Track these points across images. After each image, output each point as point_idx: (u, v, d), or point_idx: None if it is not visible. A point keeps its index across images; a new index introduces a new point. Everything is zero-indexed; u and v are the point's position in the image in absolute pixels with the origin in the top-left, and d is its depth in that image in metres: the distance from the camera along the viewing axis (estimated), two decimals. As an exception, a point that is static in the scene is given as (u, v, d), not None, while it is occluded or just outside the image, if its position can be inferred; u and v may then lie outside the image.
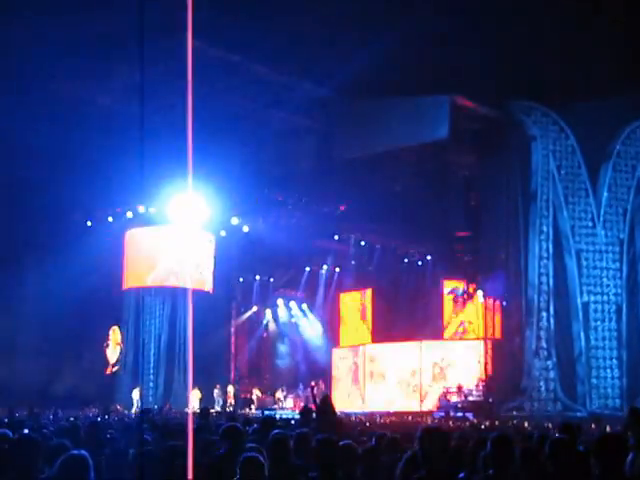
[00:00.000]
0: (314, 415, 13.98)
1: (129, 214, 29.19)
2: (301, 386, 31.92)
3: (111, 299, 32.61)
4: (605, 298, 28.14)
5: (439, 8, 21.74)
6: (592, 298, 28.01)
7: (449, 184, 29.44)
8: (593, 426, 17.70)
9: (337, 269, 34.50)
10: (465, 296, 31.51)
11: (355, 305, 34.87)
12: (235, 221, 30.24)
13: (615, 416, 22.89)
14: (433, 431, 5.81)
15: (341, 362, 33.40)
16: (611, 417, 22.70)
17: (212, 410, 20.06)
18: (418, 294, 32.19)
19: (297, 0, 21.48)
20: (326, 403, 14.08)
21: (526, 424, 20.29)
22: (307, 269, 34.95)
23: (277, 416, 22.37)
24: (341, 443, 6.71)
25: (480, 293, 30.46)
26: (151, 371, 35.19)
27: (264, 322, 36.38)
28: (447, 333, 31.90)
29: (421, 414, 27.95)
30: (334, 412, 14.35)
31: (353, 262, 33.71)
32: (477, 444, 7.20)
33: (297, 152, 28.89)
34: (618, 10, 23.61)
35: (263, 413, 22.27)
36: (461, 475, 6.45)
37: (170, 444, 6.98)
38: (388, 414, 27.27)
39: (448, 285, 32.38)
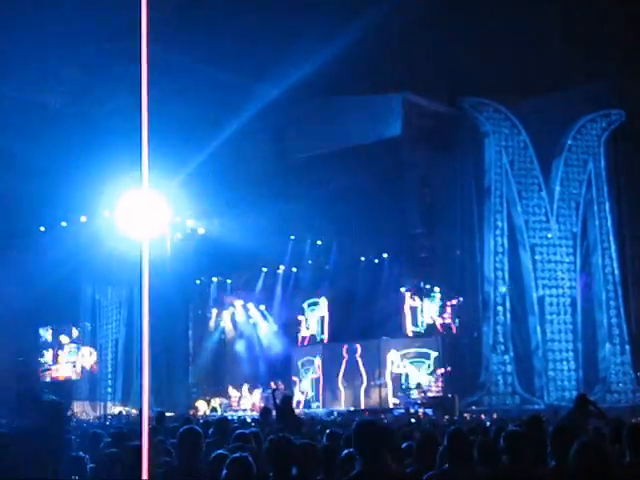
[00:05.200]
0: (274, 416, 13.98)
1: (83, 218, 28.91)
2: (260, 387, 31.84)
3: (66, 303, 32.34)
4: (560, 291, 28.45)
5: (391, 7, 21.79)
6: (547, 292, 28.30)
7: (403, 181, 29.51)
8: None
9: (294, 269, 34.43)
10: (424, 292, 31.61)
11: (313, 305, 34.85)
12: (191, 223, 30.09)
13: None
14: (368, 425, 5.71)
15: (301, 362, 33.36)
16: (569, 409, 22.91)
17: (168, 414, 19.89)
18: (376, 292, 32.20)
19: (249, 2, 21.45)
20: (286, 404, 14.07)
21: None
22: (264, 270, 34.85)
23: (238, 417, 22.35)
24: (299, 442, 6.70)
25: (437, 289, 30.60)
26: (109, 376, 34.92)
27: (221, 324, 36.23)
28: (405, 330, 31.95)
29: (381, 411, 28.01)
30: (293, 413, 14.34)
31: (310, 262, 33.69)
32: (428, 439, 7.22)
33: (252, 153, 28.83)
34: (568, 4, 23.85)
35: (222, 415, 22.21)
36: (409, 469, 6.49)
37: (111, 450, 6.94)
38: (349, 412, 27.29)
39: (406, 282, 32.45)
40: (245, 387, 32.82)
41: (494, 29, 25.01)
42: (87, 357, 35.71)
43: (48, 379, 35.95)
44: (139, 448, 3.51)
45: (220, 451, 6.51)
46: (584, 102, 28.66)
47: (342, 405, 30.27)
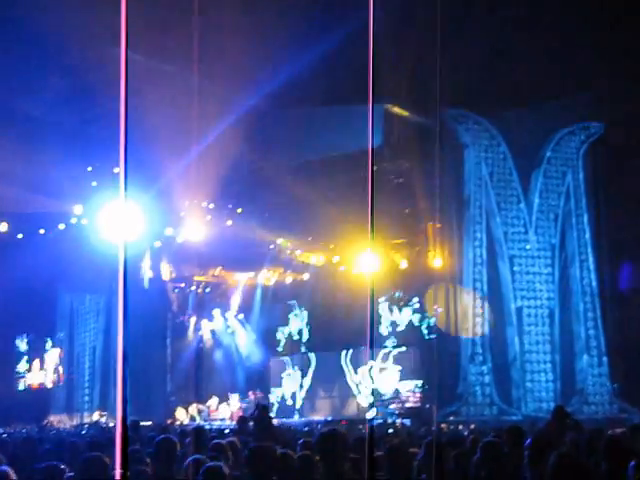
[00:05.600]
0: (251, 425, 13.96)
1: (61, 226, 28.80)
2: (238, 396, 31.77)
3: (44, 311, 32.19)
4: (538, 303, 28.53)
5: (373, 18, 21.82)
6: (525, 303, 28.39)
7: (383, 192, 29.54)
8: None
9: (276, 276, 34.43)
10: (402, 302, 31.66)
11: (292, 315, 34.82)
12: (169, 231, 30.03)
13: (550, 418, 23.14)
14: (329, 435, 5.75)
15: (280, 371, 33.33)
16: (546, 420, 22.96)
17: (145, 423, 19.82)
18: (354, 302, 32.20)
19: (227, 10, 21.44)
20: (263, 413, 14.05)
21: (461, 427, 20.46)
22: (243, 278, 34.82)
23: (216, 426, 22.31)
24: (278, 452, 6.70)
25: (416, 299, 30.64)
26: (86, 384, 34.75)
27: (200, 333, 36.13)
28: (383, 340, 31.98)
29: (359, 421, 27.99)
30: (271, 422, 14.33)
31: (289, 271, 33.69)
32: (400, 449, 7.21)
33: (232, 162, 28.79)
34: (549, 17, 24.00)
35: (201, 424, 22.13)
36: None
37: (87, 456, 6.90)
38: (327, 422, 27.27)
39: (385, 292, 32.47)
40: (224, 396, 32.73)
41: (474, 41, 25.14)
42: (60, 365, 35.53)
43: (22, 387, 35.76)
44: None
45: (196, 456, 6.48)
46: (563, 115, 28.80)
47: (321, 415, 30.23)
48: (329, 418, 29.19)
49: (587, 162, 29.31)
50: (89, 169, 26.85)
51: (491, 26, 24.37)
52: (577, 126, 29.13)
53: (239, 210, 30.77)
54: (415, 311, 30.77)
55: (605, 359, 28.37)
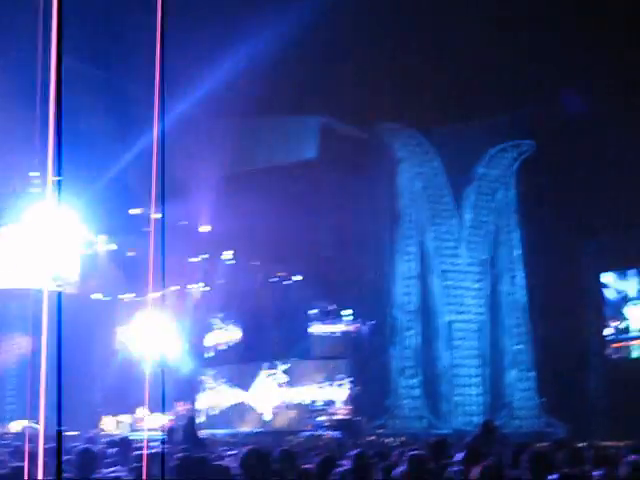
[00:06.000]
0: (179, 436, 13.86)
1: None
2: (168, 406, 31.45)
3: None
4: (468, 317, 28.81)
5: (310, 29, 21.93)
6: (455, 317, 28.64)
7: (318, 204, 29.61)
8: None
9: (206, 288, 34.19)
10: (334, 315, 31.72)
11: (223, 326, 34.62)
12: (103, 239, 29.68)
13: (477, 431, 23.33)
14: (252, 452, 5.78)
15: (209, 382, 33.10)
16: (474, 434, 23.14)
17: (72, 433, 19.51)
18: (286, 314, 32.19)
19: (166, 16, 21.29)
20: (190, 424, 13.96)
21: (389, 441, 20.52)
22: (174, 288, 34.50)
23: (143, 436, 22.02)
24: (214, 463, 6.67)
25: (347, 312, 30.73)
26: (11, 392, 34.09)
27: (129, 342, 35.69)
28: (314, 352, 31.99)
29: (288, 433, 27.95)
30: (197, 434, 14.24)
31: (221, 281, 33.51)
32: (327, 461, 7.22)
33: (166, 170, 28.57)
34: (485, 34, 24.32)
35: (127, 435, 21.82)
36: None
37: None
38: (256, 434, 27.18)
39: (316, 305, 32.51)
40: (151, 407, 32.35)
41: (410, 56, 25.36)
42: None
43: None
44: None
45: (118, 467, 6.42)
46: (496, 132, 29.19)
47: (250, 426, 30.09)
48: (257, 430, 29.10)
49: (518, 179, 29.70)
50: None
51: (431, 43, 24.66)
52: (509, 144, 29.52)
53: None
54: (347, 323, 30.83)
55: (533, 374, 28.75)
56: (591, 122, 26.09)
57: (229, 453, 8.98)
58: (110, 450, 9.47)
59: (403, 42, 24.89)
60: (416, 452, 7.09)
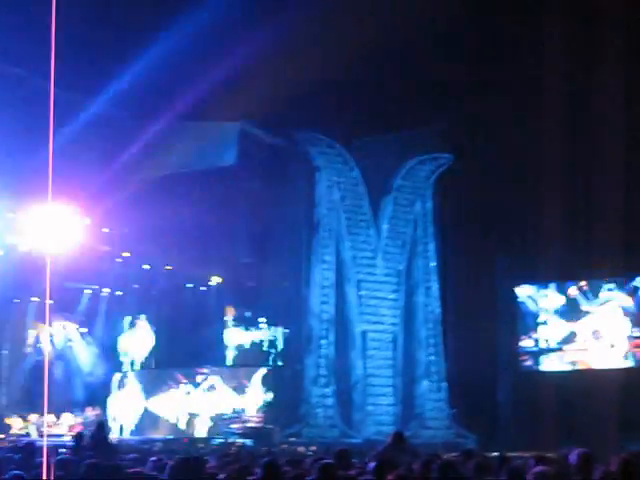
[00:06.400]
0: (88, 441, 13.63)
1: None
2: (77, 412, 30.97)
3: None
4: (382, 327, 28.97)
5: (230, 30, 21.88)
6: (370, 327, 28.77)
7: (236, 211, 29.52)
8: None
9: (119, 292, 33.77)
10: (249, 322, 31.65)
11: (139, 329, 34.24)
12: (12, 239, 29.06)
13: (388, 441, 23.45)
14: (183, 461, 5.73)
15: (121, 387, 32.69)
16: (385, 443, 23.25)
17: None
18: (201, 320, 32.00)
19: (80, 18, 21.04)
20: (100, 430, 13.74)
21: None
22: (87, 292, 34.01)
23: (52, 442, 21.61)
24: (130, 470, 6.56)
25: (263, 320, 30.67)
26: None
27: (39, 346, 35.06)
28: (229, 359, 31.86)
29: (200, 441, 27.77)
30: (107, 439, 14.02)
31: (136, 285, 33.13)
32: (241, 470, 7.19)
33: (82, 169, 28.17)
34: (403, 49, 24.55)
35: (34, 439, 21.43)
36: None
37: None
38: (167, 441, 26.93)
39: (232, 312, 32.40)
40: (61, 411, 31.81)
41: (332, 66, 25.46)
42: None
43: None
44: None
45: (16, 472, 6.26)
46: (415, 144, 29.47)
47: (162, 433, 29.80)
48: (170, 436, 28.84)
49: (436, 192, 30.02)
50: None
51: (351, 55, 24.75)
52: (427, 156, 29.81)
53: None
54: (262, 331, 30.77)
55: (444, 385, 29.03)
56: (508, 136, 26.54)
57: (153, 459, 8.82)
58: (15, 456, 9.27)
59: (325, 52, 24.96)
60: (327, 461, 7.08)
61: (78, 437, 14.09)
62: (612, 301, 28.01)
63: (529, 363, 29.04)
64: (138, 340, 33.80)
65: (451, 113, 27.38)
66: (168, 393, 31.02)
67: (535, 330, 29.03)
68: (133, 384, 32.26)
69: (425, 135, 29.36)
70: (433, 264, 29.78)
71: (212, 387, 30.23)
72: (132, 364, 33.67)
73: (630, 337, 27.64)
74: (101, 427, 14.17)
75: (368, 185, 29.22)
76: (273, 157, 28.89)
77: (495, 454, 13.20)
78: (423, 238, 29.81)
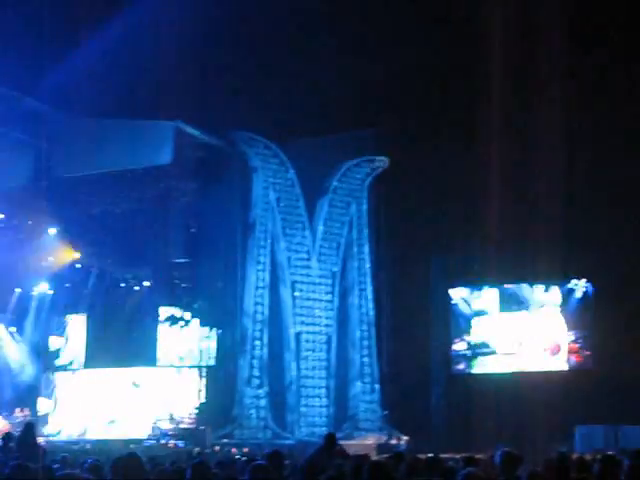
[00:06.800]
0: (15, 442, 13.44)
1: None
2: (5, 412, 30.43)
3: None
4: (317, 329, 29.01)
5: (166, 29, 21.76)
6: (304, 328, 28.80)
7: (170, 210, 29.34)
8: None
9: (50, 291, 33.28)
10: (181, 322, 31.44)
11: (71, 329, 33.79)
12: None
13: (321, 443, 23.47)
14: (124, 460, 5.66)
15: (52, 388, 32.24)
16: (318, 445, 23.27)
17: None
18: (134, 320, 31.71)
19: (19, 13, 20.80)
20: (27, 431, 13.53)
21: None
22: (17, 290, 33.45)
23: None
24: (62, 473, 6.45)
25: (196, 320, 30.48)
26: None
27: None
28: (161, 359, 31.61)
29: (131, 442, 27.52)
30: (35, 441, 13.81)
31: (68, 285, 32.69)
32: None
33: (13, 167, 27.76)
34: (342, 52, 24.67)
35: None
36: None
37: None
38: (99, 442, 26.65)
39: (165, 312, 32.15)
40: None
41: (271, 67, 25.48)
42: None
43: None
44: None
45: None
46: (351, 146, 29.54)
47: (92, 434, 29.43)
48: (101, 438, 28.51)
49: (371, 194, 30.15)
50: None
51: (291, 56, 24.83)
52: (363, 159, 29.92)
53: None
54: (195, 331, 30.56)
55: (377, 386, 29.17)
56: (443, 139, 26.78)
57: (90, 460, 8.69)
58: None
59: (260, 52, 24.98)
60: (259, 462, 7.06)
61: (5, 438, 13.87)
62: (547, 304, 28.35)
63: (461, 367, 29.26)
64: (69, 339, 33.35)
65: (387, 115, 27.54)
66: (99, 393, 30.65)
67: (468, 332, 29.27)
68: (64, 384, 31.82)
69: (361, 137, 29.46)
70: (368, 266, 29.91)
71: (144, 388, 29.95)
72: (63, 364, 33.20)
73: (564, 340, 27.99)
74: (29, 428, 13.95)
75: (304, 187, 29.26)
76: (209, 157, 28.76)
77: (429, 455, 13.31)
78: (358, 240, 29.92)
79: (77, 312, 33.21)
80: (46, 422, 30.89)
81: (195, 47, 23.56)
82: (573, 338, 27.85)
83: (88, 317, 32.93)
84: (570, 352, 27.85)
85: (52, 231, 29.51)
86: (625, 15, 23.98)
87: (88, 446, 24.22)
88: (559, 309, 28.17)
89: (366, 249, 29.98)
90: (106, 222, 28.87)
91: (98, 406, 30.48)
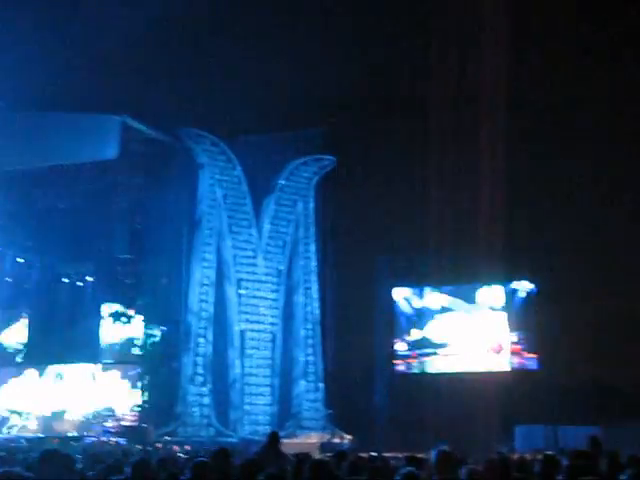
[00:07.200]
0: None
1: None
2: None
3: None
4: (261, 327, 28.95)
5: (113, 30, 21.57)
6: (249, 326, 28.72)
7: (115, 205, 29.06)
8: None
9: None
10: (124, 319, 31.17)
11: (11, 323, 33.34)
12: None
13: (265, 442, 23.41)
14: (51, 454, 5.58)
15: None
16: (261, 443, 23.20)
17: None
18: (76, 315, 31.36)
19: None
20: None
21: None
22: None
23: None
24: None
25: (140, 317, 30.24)
26: None
27: None
28: (104, 356, 31.31)
29: (72, 439, 27.25)
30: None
31: (9, 279, 32.24)
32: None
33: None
34: (291, 52, 24.64)
35: None
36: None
37: None
38: (39, 439, 26.35)
39: (108, 307, 31.85)
40: None
41: (222, 64, 25.38)
42: None
43: None
44: None
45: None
46: (299, 145, 29.58)
47: (31, 431, 29.06)
48: (41, 435, 28.18)
49: (318, 193, 30.18)
50: None
51: (237, 55, 24.75)
52: (311, 157, 29.93)
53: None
54: (139, 328, 30.30)
55: (321, 385, 29.19)
56: (391, 140, 26.89)
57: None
58: None
59: (214, 49, 24.87)
60: (201, 459, 7.02)
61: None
62: (490, 304, 28.60)
63: (402, 368, 29.39)
64: (10, 334, 32.90)
65: (336, 115, 27.61)
66: (40, 389, 30.27)
67: (408, 333, 29.42)
68: (2, 379, 31.37)
69: (309, 136, 29.51)
70: (314, 264, 29.93)
71: (85, 384, 29.64)
72: (2, 359, 32.74)
73: (507, 340, 28.25)
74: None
75: (251, 184, 29.19)
76: (155, 152, 28.52)
77: (371, 454, 13.34)
78: (304, 239, 29.93)
79: (18, 307, 32.78)
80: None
81: (143, 42, 23.36)
82: (516, 339, 28.13)
83: (30, 312, 32.51)
84: (512, 353, 28.13)
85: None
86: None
87: (25, 443, 23.89)
88: (502, 310, 28.43)
89: (312, 248, 29.99)
90: (49, 216, 28.52)
91: (37, 403, 30.10)
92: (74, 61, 23.39)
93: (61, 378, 30.18)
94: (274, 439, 10.70)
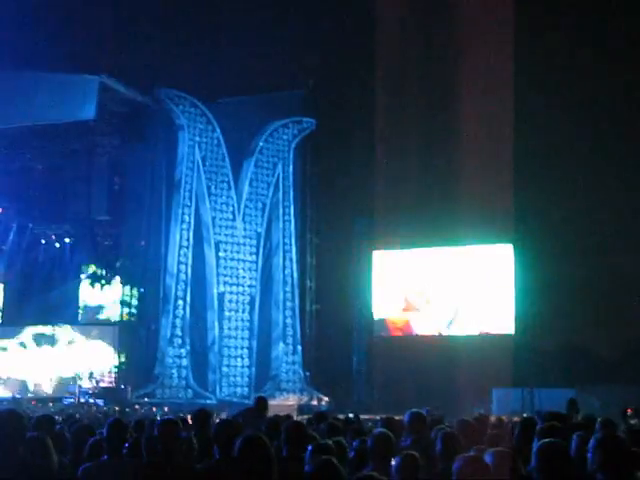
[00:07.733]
0: None
1: None
2: None
3: None
4: (240, 289, 28.95)
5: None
6: (228, 289, 28.71)
7: (93, 167, 28.87)
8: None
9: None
10: (104, 280, 31.14)
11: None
12: None
13: (242, 404, 23.58)
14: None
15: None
16: (239, 404, 23.36)
17: None
18: (55, 277, 31.26)
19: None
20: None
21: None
22: None
23: None
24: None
25: (118, 279, 30.20)
26: None
27: None
28: (82, 317, 31.28)
29: (50, 400, 27.27)
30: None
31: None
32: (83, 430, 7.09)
33: None
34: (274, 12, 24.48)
35: None
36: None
37: None
38: (14, 399, 26.37)
39: (86, 269, 31.79)
40: None
41: (202, 25, 25.17)
42: None
43: None
44: None
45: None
46: (279, 107, 29.39)
47: (9, 392, 29.05)
48: (17, 395, 28.19)
49: (298, 155, 30.09)
50: None
51: (224, 14, 24.55)
52: (290, 119, 29.79)
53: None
54: (117, 289, 30.27)
55: (299, 347, 29.28)
56: (371, 103, 26.77)
57: None
58: None
59: (194, 10, 24.65)
60: (167, 417, 7.02)
61: None
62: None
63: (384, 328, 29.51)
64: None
65: (314, 76, 27.48)
66: (17, 351, 30.24)
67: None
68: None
69: (289, 98, 29.37)
70: (292, 227, 29.88)
71: (64, 345, 29.64)
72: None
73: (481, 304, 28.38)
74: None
75: (230, 146, 29.02)
76: (134, 113, 28.28)
77: (348, 415, 13.43)
78: (283, 201, 29.85)
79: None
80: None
81: (123, 2, 23.13)
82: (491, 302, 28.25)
83: (7, 273, 32.37)
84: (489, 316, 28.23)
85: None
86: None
87: (3, 404, 23.86)
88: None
89: (291, 210, 29.94)
90: (27, 177, 28.31)
91: (15, 364, 30.08)
92: (51, 19, 23.11)
93: (39, 340, 30.15)
94: (262, 406, 10.12)
